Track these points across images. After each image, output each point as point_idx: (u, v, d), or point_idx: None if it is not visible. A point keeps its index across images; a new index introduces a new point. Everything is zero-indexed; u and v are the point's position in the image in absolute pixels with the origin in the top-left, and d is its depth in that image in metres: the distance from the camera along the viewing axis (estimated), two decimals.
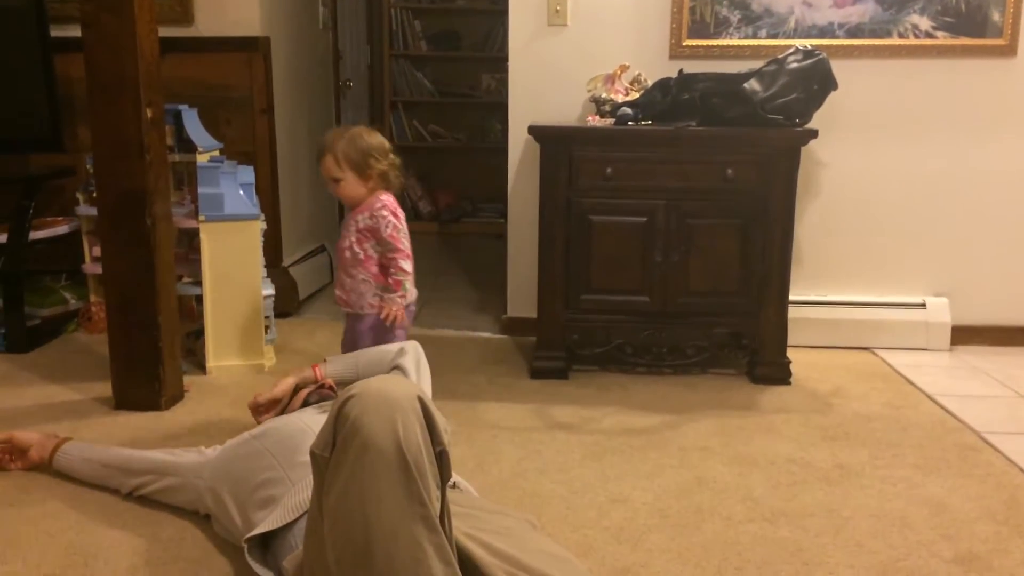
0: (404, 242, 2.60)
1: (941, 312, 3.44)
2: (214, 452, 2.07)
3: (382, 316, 2.58)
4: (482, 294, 4.34)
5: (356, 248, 2.60)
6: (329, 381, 2.24)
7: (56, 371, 3.08)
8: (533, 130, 3.03)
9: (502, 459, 2.43)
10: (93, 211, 3.17)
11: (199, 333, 3.17)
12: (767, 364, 3.05)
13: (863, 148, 3.39)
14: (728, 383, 3.06)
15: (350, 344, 2.65)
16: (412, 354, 2.25)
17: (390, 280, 2.61)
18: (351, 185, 2.57)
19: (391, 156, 2.59)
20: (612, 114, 3.10)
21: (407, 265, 2.61)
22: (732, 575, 1.87)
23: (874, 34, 3.31)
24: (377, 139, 2.59)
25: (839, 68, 2.98)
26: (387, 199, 2.60)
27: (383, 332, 2.59)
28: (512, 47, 3.43)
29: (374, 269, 2.61)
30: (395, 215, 2.59)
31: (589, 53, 3.35)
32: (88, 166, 3.29)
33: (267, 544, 1.72)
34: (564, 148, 2.97)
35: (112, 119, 2.58)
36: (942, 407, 2.84)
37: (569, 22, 3.37)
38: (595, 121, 3.14)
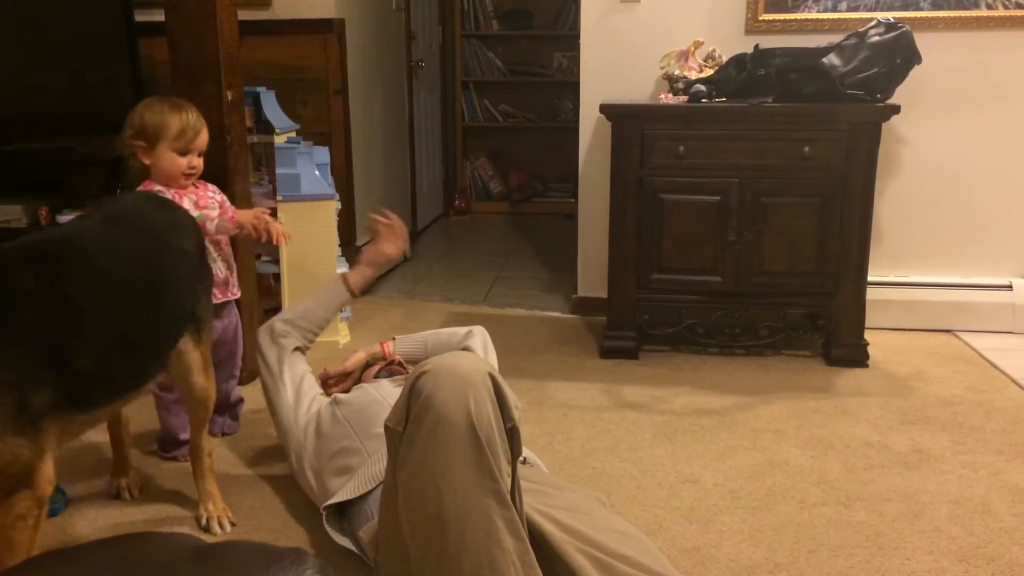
0: None
1: None
2: (310, 412, 2.11)
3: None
4: (552, 273, 4.34)
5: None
6: (398, 358, 2.28)
7: None
8: (605, 108, 3.01)
9: (572, 438, 2.44)
10: None
11: (276, 310, 3.24)
12: (844, 346, 2.99)
13: (947, 124, 3.28)
14: (803, 365, 3.01)
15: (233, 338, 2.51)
16: (480, 337, 2.29)
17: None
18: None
19: None
20: (685, 91, 3.05)
21: None
22: (805, 558, 1.84)
23: (960, 5, 3.18)
24: None
25: (923, 41, 2.88)
26: None
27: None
28: (584, 25, 3.40)
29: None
30: None
31: (662, 30, 3.30)
32: None
33: (343, 512, 1.77)
34: (636, 126, 2.94)
35: (195, 101, 2.64)
36: None
37: None
38: (668, 99, 3.10)
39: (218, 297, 2.35)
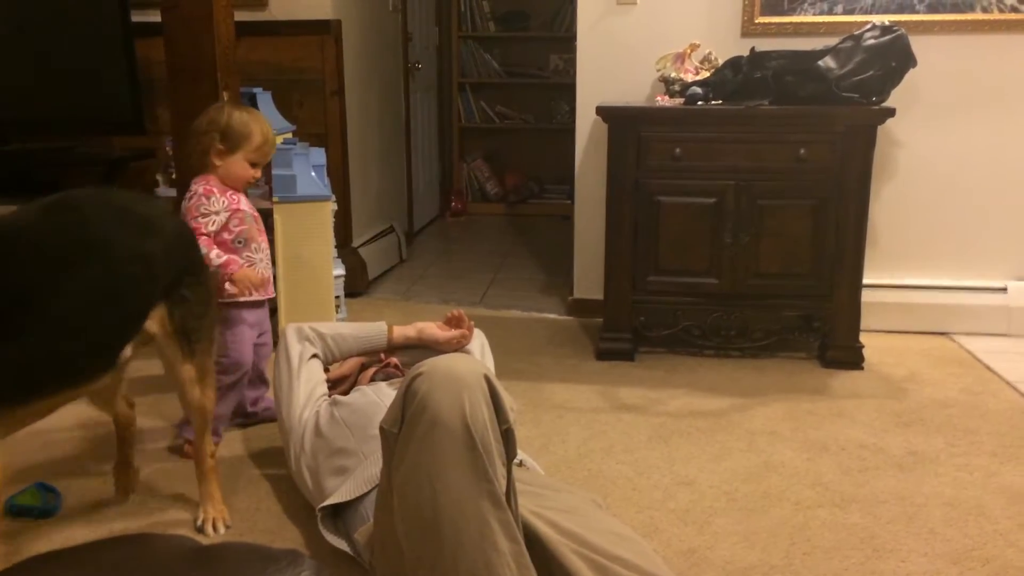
0: None
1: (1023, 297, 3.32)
2: (312, 412, 2.11)
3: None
4: (549, 275, 4.34)
5: None
6: (394, 360, 2.28)
7: None
8: (601, 110, 3.01)
9: (568, 439, 2.44)
10: (173, 192, 3.27)
11: (272, 312, 3.24)
12: (839, 348, 3.00)
13: (942, 127, 3.29)
14: (798, 367, 3.01)
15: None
16: (477, 340, 2.29)
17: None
18: None
19: None
20: (682, 94, 3.06)
21: None
22: (800, 560, 1.85)
23: (956, 8, 3.19)
24: None
25: (918, 44, 2.89)
26: None
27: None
28: (580, 27, 3.40)
29: None
30: None
31: (658, 32, 3.31)
32: (168, 148, 3.39)
33: (338, 513, 1.77)
34: (632, 128, 2.95)
35: (191, 101, 2.66)
36: (1023, 395, 2.76)
37: (638, 0, 3.33)
38: (664, 101, 3.11)
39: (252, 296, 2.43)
